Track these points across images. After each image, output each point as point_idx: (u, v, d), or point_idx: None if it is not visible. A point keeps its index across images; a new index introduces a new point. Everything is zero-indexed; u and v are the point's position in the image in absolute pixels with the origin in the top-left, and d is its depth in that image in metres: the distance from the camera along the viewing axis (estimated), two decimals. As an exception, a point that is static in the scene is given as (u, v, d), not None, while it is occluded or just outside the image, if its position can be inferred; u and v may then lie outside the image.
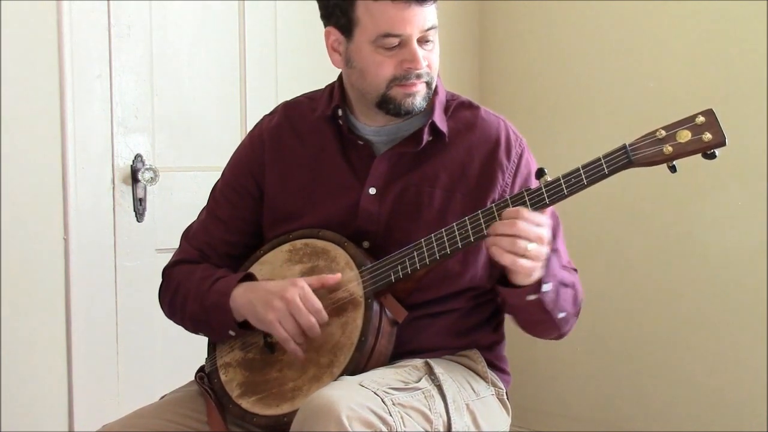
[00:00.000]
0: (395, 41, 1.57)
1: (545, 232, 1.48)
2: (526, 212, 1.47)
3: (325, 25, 1.66)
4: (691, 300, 2.84)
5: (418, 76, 1.59)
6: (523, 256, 1.46)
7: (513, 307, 1.61)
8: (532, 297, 1.54)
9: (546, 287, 1.53)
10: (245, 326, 1.64)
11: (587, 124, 3.04)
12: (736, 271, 2.73)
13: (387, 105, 1.61)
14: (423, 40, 1.59)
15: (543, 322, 1.62)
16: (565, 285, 1.61)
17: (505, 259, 1.47)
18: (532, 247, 1.46)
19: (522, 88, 3.23)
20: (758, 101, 2.64)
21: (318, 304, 1.56)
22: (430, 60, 1.61)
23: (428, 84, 1.62)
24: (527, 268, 1.48)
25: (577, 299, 1.66)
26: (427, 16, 1.57)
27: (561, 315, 1.61)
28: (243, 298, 1.62)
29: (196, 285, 1.69)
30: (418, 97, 1.61)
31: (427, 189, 1.65)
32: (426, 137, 1.66)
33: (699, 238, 2.80)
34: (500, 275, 1.57)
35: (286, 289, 1.56)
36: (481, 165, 1.66)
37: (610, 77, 2.99)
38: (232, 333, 1.66)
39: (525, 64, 3.22)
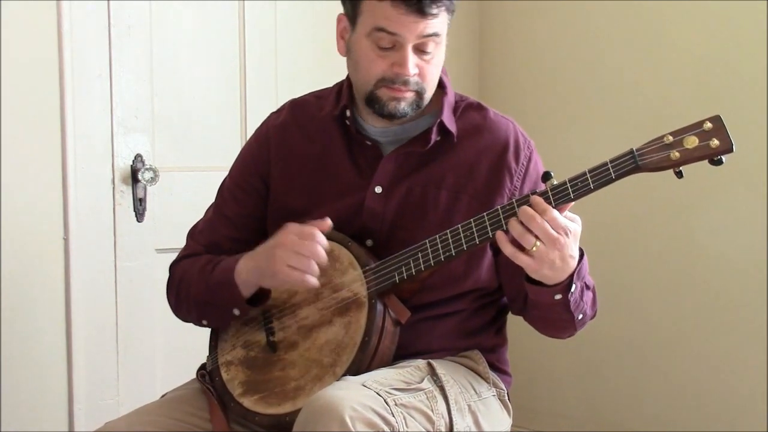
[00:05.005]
0: (388, 39, 1.56)
1: (561, 235, 1.44)
2: (551, 210, 1.44)
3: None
4: (691, 301, 2.84)
5: (405, 83, 1.58)
6: (527, 252, 1.45)
7: (537, 304, 1.59)
8: (558, 296, 1.53)
9: (574, 288, 1.52)
10: (251, 303, 1.64)
11: (587, 125, 3.03)
12: (736, 272, 2.73)
13: (373, 104, 1.61)
14: (420, 49, 1.58)
15: (562, 322, 1.61)
16: (588, 287, 1.60)
17: (506, 249, 1.47)
18: (539, 245, 1.44)
19: (522, 89, 3.23)
20: (760, 104, 2.64)
21: (311, 230, 1.55)
22: (425, 70, 1.59)
23: (419, 93, 1.60)
24: (529, 264, 1.46)
25: (596, 302, 1.66)
26: (427, 24, 1.55)
27: (581, 317, 1.60)
28: (247, 265, 1.62)
29: (200, 269, 1.70)
30: (404, 103, 1.60)
31: (433, 190, 1.65)
32: (434, 137, 1.65)
33: (699, 239, 2.80)
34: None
35: (279, 237, 1.57)
36: (489, 168, 1.66)
37: (610, 78, 2.99)
38: (236, 312, 1.65)
39: (525, 64, 3.22)
